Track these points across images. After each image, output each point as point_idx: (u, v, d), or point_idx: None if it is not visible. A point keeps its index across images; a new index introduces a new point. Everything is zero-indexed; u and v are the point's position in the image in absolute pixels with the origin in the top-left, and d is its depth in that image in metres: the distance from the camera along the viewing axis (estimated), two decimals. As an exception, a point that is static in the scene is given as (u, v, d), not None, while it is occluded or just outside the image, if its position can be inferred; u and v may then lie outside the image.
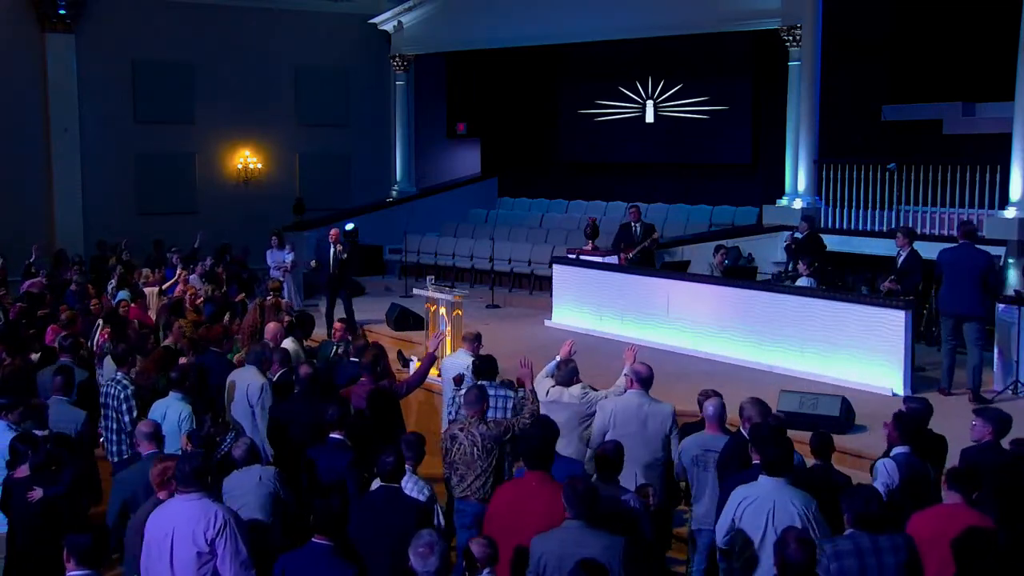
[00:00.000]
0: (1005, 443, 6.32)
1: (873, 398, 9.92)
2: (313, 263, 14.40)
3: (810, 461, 6.20)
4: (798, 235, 13.64)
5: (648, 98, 19.49)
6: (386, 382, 8.22)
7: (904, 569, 4.74)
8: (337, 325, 10.98)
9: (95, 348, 10.63)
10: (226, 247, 17.11)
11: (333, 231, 14.90)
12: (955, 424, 7.54)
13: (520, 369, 7.41)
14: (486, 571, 4.70)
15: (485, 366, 7.73)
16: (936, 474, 6.20)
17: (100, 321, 11.25)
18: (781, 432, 6.06)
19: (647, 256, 14.54)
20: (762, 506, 5.25)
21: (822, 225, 14.95)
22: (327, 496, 5.08)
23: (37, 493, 6.16)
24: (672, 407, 6.99)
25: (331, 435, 6.76)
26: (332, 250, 14.48)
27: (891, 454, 6.07)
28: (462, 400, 7.15)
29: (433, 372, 10.99)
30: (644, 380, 7.01)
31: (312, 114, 21.14)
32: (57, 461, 6.28)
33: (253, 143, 20.62)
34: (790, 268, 13.33)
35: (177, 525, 5.03)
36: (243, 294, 14.89)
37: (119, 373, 8.19)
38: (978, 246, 10.38)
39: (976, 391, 10.07)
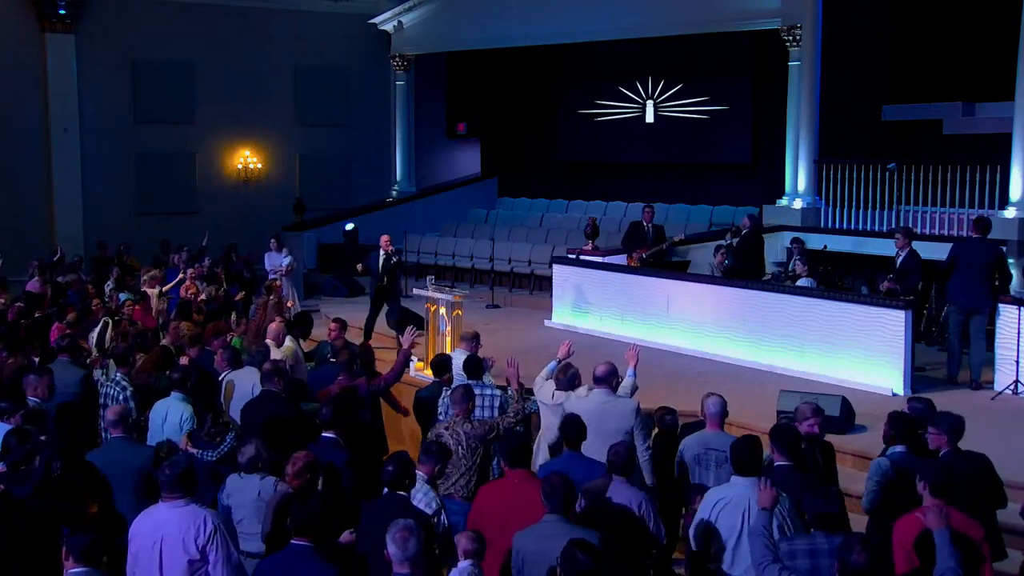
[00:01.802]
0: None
1: (873, 398, 9.90)
2: (359, 268, 13.85)
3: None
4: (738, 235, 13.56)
5: (648, 98, 19.49)
6: (362, 380, 8.20)
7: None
8: (332, 325, 10.94)
9: (104, 347, 10.67)
10: (233, 247, 17.09)
11: (384, 237, 13.33)
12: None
13: (507, 369, 7.41)
14: (468, 562, 4.76)
15: (468, 365, 7.71)
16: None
17: (107, 320, 11.27)
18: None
19: (658, 259, 14.44)
20: (738, 505, 5.28)
21: (822, 225, 14.96)
22: (303, 497, 5.08)
23: None
24: (636, 403, 6.97)
25: (324, 434, 6.65)
26: (382, 257, 13.15)
27: (887, 453, 6.07)
28: (448, 399, 7.18)
29: (431, 372, 10.98)
30: (599, 379, 6.96)
31: (312, 114, 21.12)
32: (28, 460, 6.15)
33: (253, 143, 20.62)
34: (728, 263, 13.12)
35: (166, 533, 5.01)
36: (243, 293, 14.87)
37: (118, 373, 8.21)
38: (989, 240, 10.66)
39: (978, 383, 10.37)
